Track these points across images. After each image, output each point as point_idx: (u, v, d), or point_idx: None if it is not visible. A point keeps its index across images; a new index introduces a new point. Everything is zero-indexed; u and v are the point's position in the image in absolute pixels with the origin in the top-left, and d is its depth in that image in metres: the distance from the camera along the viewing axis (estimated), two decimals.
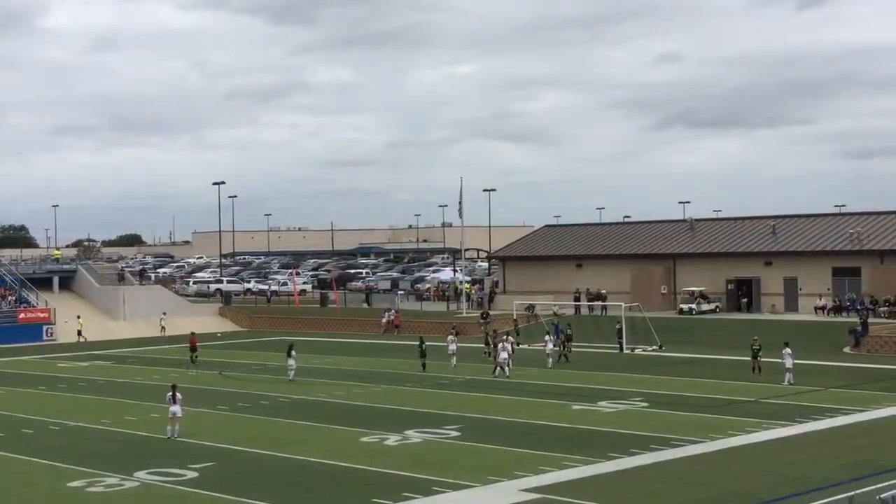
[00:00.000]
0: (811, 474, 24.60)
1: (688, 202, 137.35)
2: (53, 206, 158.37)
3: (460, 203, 73.31)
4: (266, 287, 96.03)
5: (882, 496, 16.16)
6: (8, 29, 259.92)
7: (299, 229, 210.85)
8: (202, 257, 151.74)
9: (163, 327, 70.19)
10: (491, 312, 67.86)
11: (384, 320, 70.01)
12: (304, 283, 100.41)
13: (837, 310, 62.69)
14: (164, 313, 72.05)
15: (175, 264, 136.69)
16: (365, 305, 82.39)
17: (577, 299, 70.51)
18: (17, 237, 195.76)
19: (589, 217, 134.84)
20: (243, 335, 71.61)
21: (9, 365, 55.11)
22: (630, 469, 25.81)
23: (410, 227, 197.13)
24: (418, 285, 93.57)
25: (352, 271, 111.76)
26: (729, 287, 68.28)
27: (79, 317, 70.06)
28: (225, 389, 42.60)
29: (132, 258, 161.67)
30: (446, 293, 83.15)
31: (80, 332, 68.67)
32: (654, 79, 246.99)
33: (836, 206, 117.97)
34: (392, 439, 30.23)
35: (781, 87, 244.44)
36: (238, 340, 67.24)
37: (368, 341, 63.73)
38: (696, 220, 78.85)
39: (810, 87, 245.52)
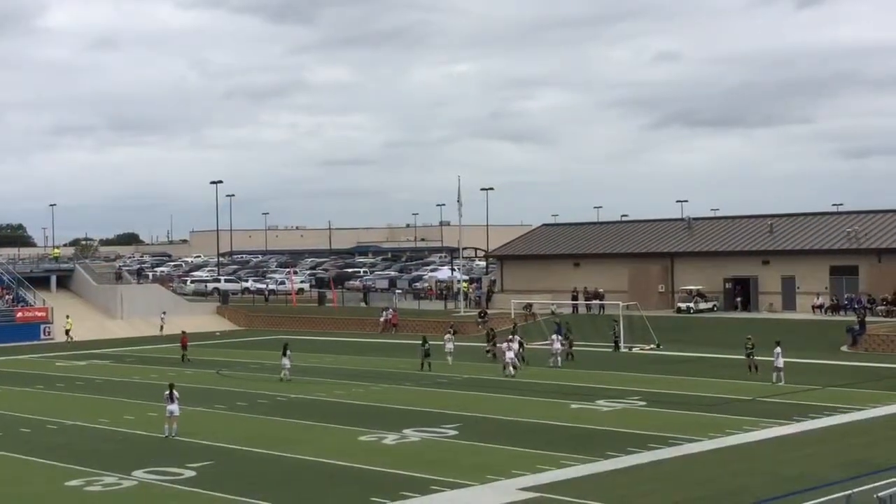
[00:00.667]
0: (809, 473, 24.62)
1: (685, 201, 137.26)
2: (51, 205, 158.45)
3: (458, 202, 73.34)
4: (264, 286, 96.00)
5: (880, 495, 16.15)
6: (7, 29, 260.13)
7: (297, 228, 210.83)
8: (200, 256, 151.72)
9: (161, 326, 70.04)
10: (489, 311, 67.89)
11: (382, 319, 70.01)
12: (302, 282, 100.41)
13: (835, 308, 62.73)
14: (164, 313, 71.99)
15: (173, 263, 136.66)
16: (363, 304, 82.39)
17: (574, 298, 70.52)
18: (14, 236, 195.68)
19: (586, 216, 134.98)
20: (241, 334, 71.59)
21: (6, 364, 55.08)
22: (628, 468, 25.83)
23: (408, 226, 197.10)
24: (416, 284, 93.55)
25: (349, 270, 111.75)
26: (727, 286, 68.31)
27: (68, 317, 70.01)
28: (223, 388, 42.59)
29: (130, 257, 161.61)
30: (444, 292, 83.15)
31: (68, 332, 68.66)
32: (652, 78, 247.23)
33: (833, 204, 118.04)
34: (390, 438, 30.24)
35: (780, 87, 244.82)
36: (235, 339, 67.23)
37: (366, 340, 63.72)
38: (694, 218, 78.86)
39: (809, 86, 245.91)
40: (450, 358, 48.65)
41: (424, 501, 22.87)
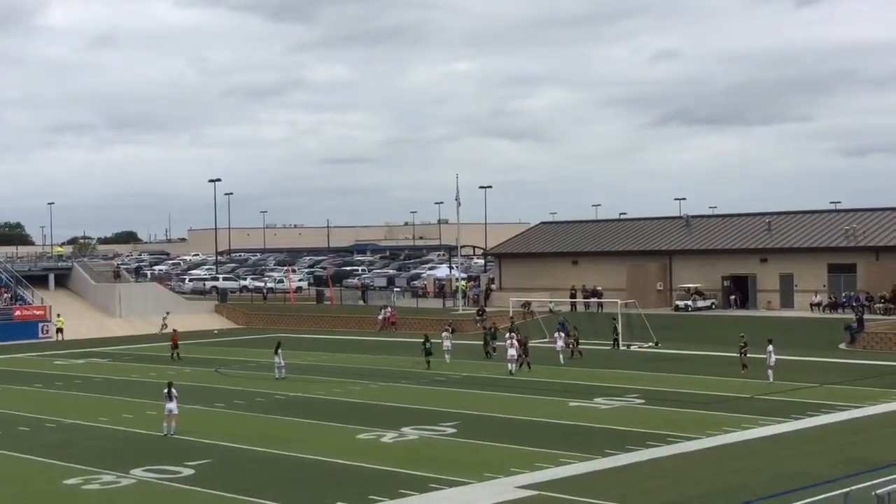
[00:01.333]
0: (807, 471, 24.64)
1: (684, 199, 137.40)
2: (49, 203, 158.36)
3: (457, 200, 73.37)
4: (262, 284, 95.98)
5: (878, 492, 16.17)
6: (6, 27, 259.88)
7: (295, 226, 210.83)
8: (198, 255, 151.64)
9: (164, 325, 69.78)
10: (487, 309, 67.91)
11: (380, 317, 70.00)
12: (300, 280, 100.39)
13: (833, 306, 62.78)
14: (168, 313, 71.93)
15: (171, 262, 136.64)
16: (361, 303, 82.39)
17: (573, 296, 70.53)
18: (12, 235, 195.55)
19: (585, 214, 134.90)
20: (239, 332, 71.57)
21: (5, 363, 55.06)
22: (626, 465, 25.84)
23: (406, 224, 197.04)
24: (414, 282, 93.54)
25: (348, 268, 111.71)
26: (725, 284, 68.34)
27: (59, 315, 69.99)
28: (221, 387, 42.58)
29: (128, 255, 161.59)
30: (443, 290, 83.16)
31: (59, 331, 68.65)
32: (651, 76, 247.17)
33: (831, 202, 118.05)
34: (388, 436, 30.24)
35: (778, 85, 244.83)
36: (234, 338, 67.22)
37: (364, 338, 63.71)
38: (692, 216, 78.92)
39: (807, 84, 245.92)
40: (447, 356, 48.74)
41: (423, 499, 22.88)
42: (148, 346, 62.18)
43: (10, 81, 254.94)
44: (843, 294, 62.98)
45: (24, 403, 39.01)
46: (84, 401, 39.88)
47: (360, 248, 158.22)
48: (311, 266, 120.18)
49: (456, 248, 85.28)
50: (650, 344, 54.79)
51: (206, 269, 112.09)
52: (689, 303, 66.48)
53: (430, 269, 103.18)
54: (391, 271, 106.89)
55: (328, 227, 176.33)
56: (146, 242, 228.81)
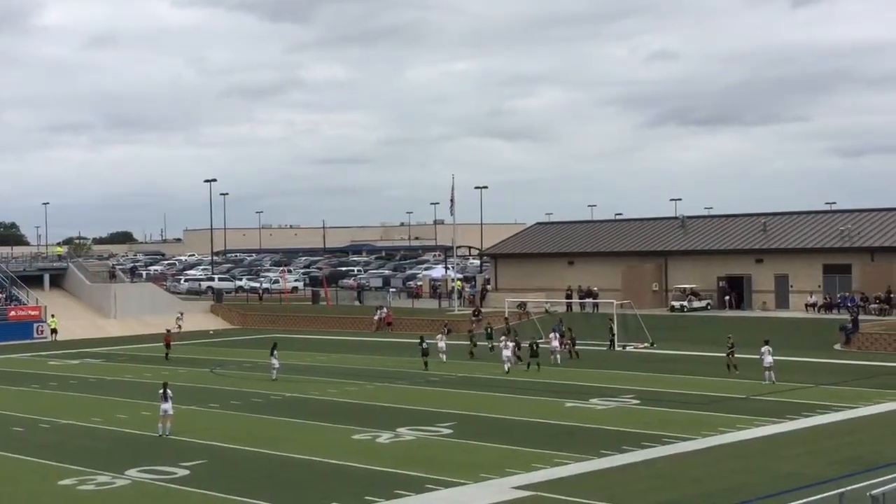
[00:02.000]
0: (802, 471, 24.65)
1: (679, 200, 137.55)
2: (45, 203, 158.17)
3: (452, 200, 73.35)
4: (258, 285, 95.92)
5: (873, 493, 16.18)
6: (4, 27, 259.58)
7: (291, 227, 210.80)
8: (194, 255, 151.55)
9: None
10: (483, 310, 67.89)
11: (376, 318, 69.96)
12: (296, 280, 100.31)
13: (828, 307, 62.81)
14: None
15: (166, 262, 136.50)
16: (357, 303, 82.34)
17: (568, 297, 70.55)
18: (8, 235, 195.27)
19: (581, 214, 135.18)
20: (235, 333, 71.50)
21: None
22: (622, 466, 25.85)
23: (402, 224, 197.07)
24: (410, 283, 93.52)
25: (343, 269, 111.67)
26: (720, 284, 68.38)
27: (52, 315, 69.92)
28: (216, 387, 42.54)
29: (123, 256, 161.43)
30: (438, 290, 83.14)
31: (53, 331, 68.58)
32: (649, 76, 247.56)
33: (826, 203, 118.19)
34: (384, 437, 30.22)
35: (775, 85, 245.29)
36: (230, 338, 67.15)
37: (360, 339, 63.67)
38: (688, 217, 78.93)
39: (804, 84, 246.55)
40: (443, 356, 48.92)
41: (419, 500, 22.86)
42: (143, 347, 62.10)
43: (7, 81, 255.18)
44: (839, 295, 63.01)
45: (18, 404, 38.95)
46: (78, 401, 39.82)
47: (356, 249, 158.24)
48: (306, 266, 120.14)
49: (452, 248, 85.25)
50: (646, 344, 54.81)
51: (202, 270, 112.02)
52: (685, 303, 66.48)
53: (426, 269, 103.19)
54: (387, 272, 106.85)
55: (324, 227, 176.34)
56: (142, 243, 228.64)
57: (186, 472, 25.97)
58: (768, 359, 39.88)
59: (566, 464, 25.93)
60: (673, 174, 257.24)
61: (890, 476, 19.50)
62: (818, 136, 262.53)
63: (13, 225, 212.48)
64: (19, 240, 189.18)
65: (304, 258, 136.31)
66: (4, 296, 72.90)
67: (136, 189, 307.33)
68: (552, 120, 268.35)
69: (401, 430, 31.16)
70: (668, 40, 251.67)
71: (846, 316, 56.34)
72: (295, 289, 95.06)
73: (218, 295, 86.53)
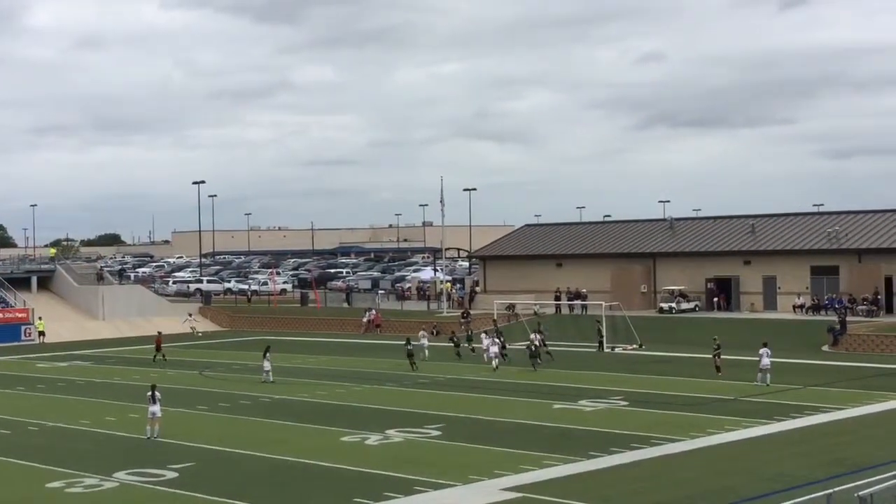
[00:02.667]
0: (790, 472, 24.72)
1: (667, 201, 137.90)
2: (32, 205, 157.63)
3: (441, 202, 73.37)
4: (246, 287, 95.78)
5: (860, 494, 16.23)
6: None
7: (279, 229, 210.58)
8: (182, 257, 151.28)
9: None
10: (471, 311, 67.90)
11: (364, 320, 69.92)
12: (285, 282, 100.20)
13: (816, 308, 63.00)
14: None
15: (154, 264, 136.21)
16: (345, 305, 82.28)
17: (557, 298, 70.62)
18: None
19: (569, 216, 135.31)
20: (223, 335, 71.37)
21: None
22: (610, 468, 25.88)
23: (391, 226, 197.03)
24: (399, 285, 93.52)
25: (332, 271, 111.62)
26: (709, 286, 68.53)
27: (40, 318, 69.73)
28: (205, 389, 42.46)
29: (111, 258, 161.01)
30: (427, 292, 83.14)
31: (41, 334, 68.41)
32: (637, 79, 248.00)
33: (814, 205, 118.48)
34: (373, 439, 30.21)
35: (763, 88, 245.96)
36: (218, 340, 67.02)
37: (349, 341, 63.64)
38: (676, 219, 79.06)
39: (791, 87, 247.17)
40: (426, 352, 50.51)
41: (407, 502, 22.87)
42: (131, 349, 61.96)
43: None
44: (826, 296, 63.22)
45: (5, 406, 38.80)
46: (67, 404, 39.69)
47: (345, 251, 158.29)
48: (295, 268, 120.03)
49: (441, 250, 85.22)
50: (634, 346, 54.91)
51: (190, 272, 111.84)
52: (674, 305, 66.62)
53: (415, 271, 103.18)
54: (376, 273, 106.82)
55: (313, 229, 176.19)
56: (130, 245, 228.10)
57: (175, 474, 25.92)
58: (765, 361, 39.88)
59: (555, 465, 25.95)
60: (661, 176, 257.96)
61: (878, 477, 19.56)
62: (806, 139, 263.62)
63: (0, 227, 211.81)
64: (6, 242, 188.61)
65: (292, 260, 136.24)
66: None
67: (124, 191, 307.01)
68: (541, 122, 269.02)
69: (390, 431, 31.15)
70: (656, 43, 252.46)
71: (834, 317, 56.52)
72: (283, 291, 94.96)
73: (206, 297, 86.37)
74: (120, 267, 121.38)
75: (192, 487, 24.46)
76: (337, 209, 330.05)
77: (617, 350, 54.32)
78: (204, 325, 75.97)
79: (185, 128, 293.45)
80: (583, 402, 36.60)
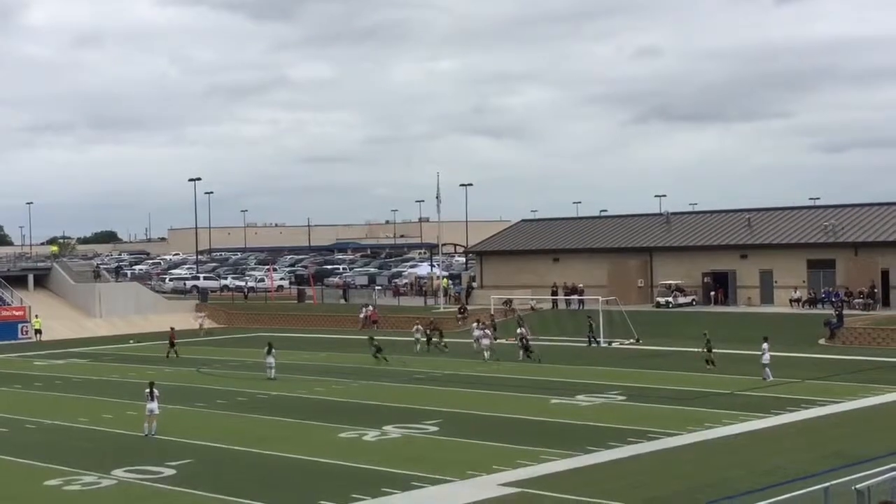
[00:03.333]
0: (787, 466, 24.74)
1: (664, 196, 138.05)
2: (28, 203, 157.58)
3: (437, 198, 73.34)
4: (243, 283, 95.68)
5: (857, 487, 16.25)
6: None
7: (276, 225, 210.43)
8: (178, 254, 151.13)
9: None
10: (468, 307, 67.91)
11: (361, 316, 69.88)
12: (282, 279, 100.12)
13: (812, 302, 63.05)
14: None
15: (151, 261, 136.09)
16: (342, 301, 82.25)
17: (554, 294, 70.64)
18: None
19: (566, 211, 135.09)
20: (220, 332, 71.31)
21: None
22: (608, 462, 25.91)
23: (388, 222, 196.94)
24: (395, 280, 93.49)
25: (329, 267, 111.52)
26: (705, 280, 68.57)
27: (36, 316, 69.68)
28: (202, 386, 42.45)
29: (108, 255, 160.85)
30: (424, 288, 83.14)
31: (38, 332, 68.36)
32: (633, 73, 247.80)
33: (810, 198, 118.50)
34: (371, 435, 30.22)
35: (758, 81, 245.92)
36: (215, 337, 66.96)
37: (346, 337, 63.61)
38: (673, 213, 79.11)
39: (787, 80, 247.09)
40: (418, 346, 52.51)
41: (405, 497, 22.88)
42: (128, 347, 61.92)
43: None
44: (823, 290, 63.29)
45: (3, 404, 38.77)
46: (64, 401, 39.68)
47: (342, 247, 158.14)
48: (292, 265, 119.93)
49: (437, 246, 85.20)
50: (631, 340, 54.95)
51: (187, 269, 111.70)
52: (670, 299, 66.65)
53: (412, 267, 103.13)
54: (372, 270, 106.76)
55: (309, 225, 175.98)
56: (126, 242, 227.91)
57: (173, 471, 25.92)
58: (766, 356, 39.88)
59: (552, 460, 25.98)
60: (657, 171, 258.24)
61: (875, 470, 19.58)
62: (801, 132, 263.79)
63: None
64: (3, 240, 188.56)
65: (289, 257, 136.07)
66: None
67: (120, 188, 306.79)
68: (537, 117, 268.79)
69: (387, 427, 31.16)
70: (651, 38, 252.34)
71: (830, 311, 56.58)
72: (280, 287, 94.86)
73: (203, 294, 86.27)
74: (116, 264, 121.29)
75: (189, 484, 24.47)
76: (333, 205, 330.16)
77: (614, 345, 54.35)
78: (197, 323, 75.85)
79: (181, 125, 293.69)
80: (580, 396, 36.63)
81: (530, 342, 49.67)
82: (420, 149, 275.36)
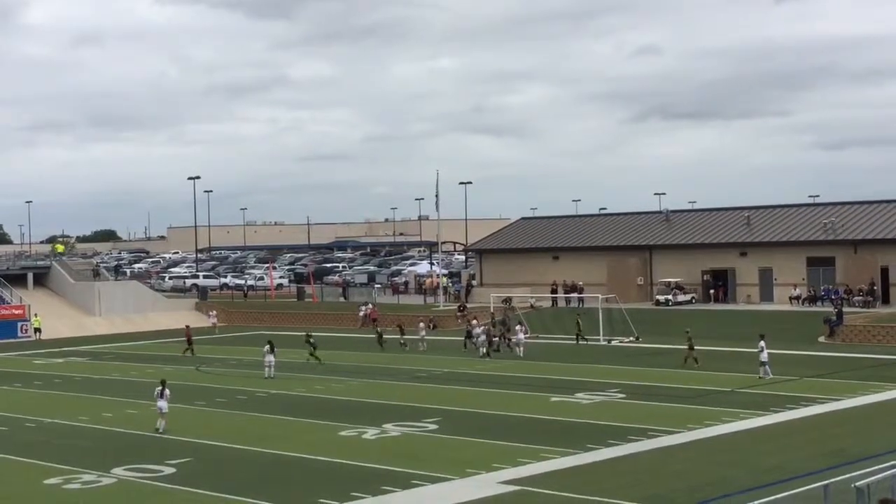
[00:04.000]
0: (787, 463, 24.76)
1: (663, 194, 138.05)
2: (27, 202, 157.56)
3: (437, 196, 73.31)
4: (242, 282, 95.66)
5: (857, 484, 16.25)
6: None
7: (275, 224, 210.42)
8: (178, 252, 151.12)
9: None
10: (468, 305, 67.91)
11: (360, 314, 69.86)
12: (281, 277, 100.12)
13: (812, 299, 63.07)
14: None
15: (150, 260, 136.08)
16: (342, 299, 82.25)
17: (553, 292, 70.64)
18: None
19: (565, 209, 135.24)
20: (220, 330, 71.25)
21: None
22: (608, 460, 25.91)
23: (387, 220, 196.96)
24: (395, 279, 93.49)
25: (328, 265, 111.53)
26: (705, 278, 68.58)
27: (36, 315, 69.67)
28: (202, 385, 42.44)
29: (107, 254, 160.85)
30: (423, 286, 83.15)
31: (37, 330, 68.37)
32: (632, 72, 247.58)
33: (810, 196, 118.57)
34: (370, 433, 30.22)
35: (758, 79, 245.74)
36: (215, 336, 66.92)
37: (345, 335, 63.61)
38: (672, 211, 79.12)
39: (787, 79, 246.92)
40: (422, 344, 52.84)
41: (405, 496, 22.88)
42: (128, 345, 61.92)
43: None
44: (822, 287, 63.29)
45: (3, 403, 38.76)
46: (64, 400, 39.68)
47: (341, 245, 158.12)
48: (291, 263, 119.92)
49: (437, 244, 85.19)
50: (631, 338, 54.95)
51: (186, 267, 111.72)
52: (670, 297, 66.66)
53: (411, 265, 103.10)
54: (372, 268, 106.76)
55: (309, 224, 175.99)
56: (125, 241, 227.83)
57: (173, 469, 25.92)
58: (763, 353, 39.86)
59: (552, 458, 25.98)
60: (657, 169, 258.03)
61: (875, 468, 19.58)
62: (801, 130, 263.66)
63: None
64: (3, 238, 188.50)
65: (288, 255, 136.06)
66: None
67: (119, 187, 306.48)
68: (536, 116, 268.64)
69: (387, 426, 31.16)
70: (651, 36, 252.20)
71: (830, 308, 56.59)
72: (280, 285, 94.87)
73: (202, 292, 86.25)
74: (116, 263, 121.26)
75: (190, 483, 24.47)
76: (333, 204, 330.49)
77: (614, 342, 54.36)
78: (200, 321, 75.79)
79: (180, 124, 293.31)
80: (580, 394, 36.63)
81: (498, 339, 51.04)
82: (420, 147, 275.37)
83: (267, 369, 43.62)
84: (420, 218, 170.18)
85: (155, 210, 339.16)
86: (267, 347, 44.23)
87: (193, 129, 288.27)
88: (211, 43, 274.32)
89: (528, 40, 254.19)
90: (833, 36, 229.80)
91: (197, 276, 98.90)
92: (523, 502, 22.30)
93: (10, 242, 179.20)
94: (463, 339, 52.77)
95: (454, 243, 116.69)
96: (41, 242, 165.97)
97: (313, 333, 50.50)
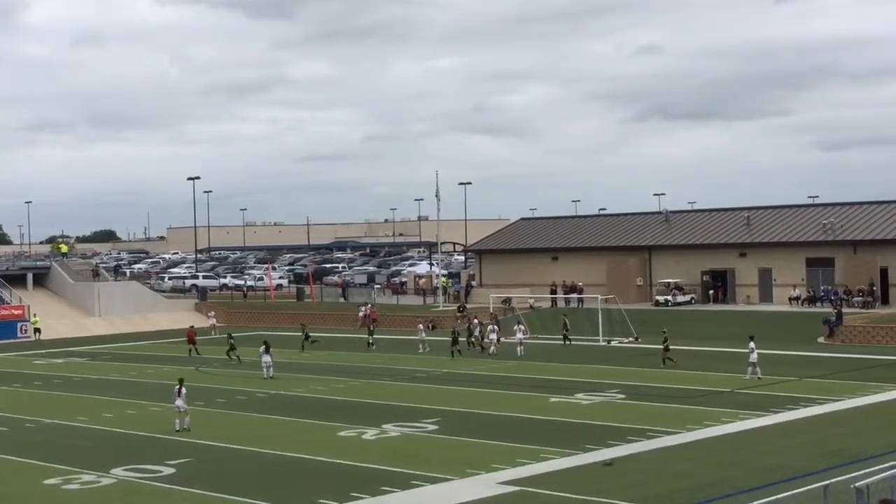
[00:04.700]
0: (787, 464, 24.76)
1: (663, 194, 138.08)
2: (27, 202, 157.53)
3: (437, 197, 73.31)
4: (242, 282, 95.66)
5: (857, 485, 16.25)
6: None
7: (275, 224, 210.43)
8: (177, 253, 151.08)
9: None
10: (468, 306, 67.90)
11: (360, 314, 69.86)
12: (281, 277, 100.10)
13: (811, 300, 63.06)
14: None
15: (150, 260, 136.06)
16: (341, 300, 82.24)
17: (553, 292, 70.63)
18: None
19: (565, 210, 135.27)
20: (219, 330, 71.19)
21: None
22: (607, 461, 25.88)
23: (387, 221, 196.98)
24: (394, 279, 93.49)
25: (328, 266, 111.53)
26: (704, 279, 68.57)
27: (35, 315, 69.67)
28: (202, 385, 42.36)
29: (107, 254, 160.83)
30: (422, 287, 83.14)
31: (37, 331, 68.38)
32: (633, 71, 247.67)
33: (809, 196, 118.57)
34: (370, 433, 30.22)
35: (758, 79, 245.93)
36: (214, 336, 66.85)
37: (345, 336, 63.61)
38: (672, 212, 79.10)
39: (787, 79, 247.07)
40: (422, 346, 52.79)
41: (405, 496, 22.88)
42: (127, 346, 61.91)
43: None
44: (822, 288, 63.28)
45: (2, 403, 38.78)
46: (63, 400, 39.68)
47: (341, 246, 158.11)
48: (291, 264, 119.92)
49: (436, 244, 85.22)
50: (630, 339, 54.95)
51: (186, 268, 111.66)
52: (669, 297, 66.66)
53: (411, 265, 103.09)
54: (371, 268, 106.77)
55: (308, 224, 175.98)
56: (125, 241, 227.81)
57: (172, 470, 25.92)
58: (753, 354, 39.87)
59: (552, 458, 25.98)
60: (656, 169, 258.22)
61: (874, 468, 19.57)
62: (801, 131, 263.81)
63: None
64: (2, 239, 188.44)
65: (288, 255, 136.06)
66: None
67: (119, 187, 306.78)
68: (536, 116, 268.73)
69: (386, 426, 31.17)
70: (651, 36, 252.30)
71: (829, 309, 56.58)
72: (279, 286, 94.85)
73: (202, 293, 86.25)
74: (115, 263, 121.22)
75: (189, 483, 24.47)
76: (332, 204, 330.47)
77: (613, 343, 54.36)
78: (200, 321, 75.75)
79: (180, 124, 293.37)
80: (579, 395, 36.63)
81: (481, 338, 52.05)
82: (419, 147, 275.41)
83: (265, 370, 43.64)
84: (420, 218, 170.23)
85: (155, 210, 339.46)
86: (263, 348, 44.24)
87: (193, 129, 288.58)
88: (211, 43, 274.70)
89: (528, 40, 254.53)
90: (833, 36, 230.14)
91: (196, 277, 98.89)
92: (523, 502, 22.31)
93: (9, 243, 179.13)
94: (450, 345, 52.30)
95: (454, 243, 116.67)
96: (41, 243, 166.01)
97: (312, 333, 50.43)
